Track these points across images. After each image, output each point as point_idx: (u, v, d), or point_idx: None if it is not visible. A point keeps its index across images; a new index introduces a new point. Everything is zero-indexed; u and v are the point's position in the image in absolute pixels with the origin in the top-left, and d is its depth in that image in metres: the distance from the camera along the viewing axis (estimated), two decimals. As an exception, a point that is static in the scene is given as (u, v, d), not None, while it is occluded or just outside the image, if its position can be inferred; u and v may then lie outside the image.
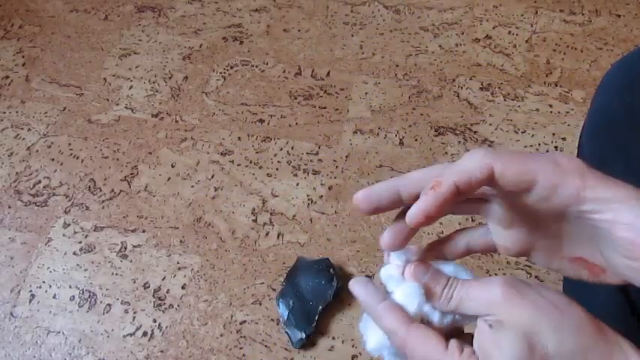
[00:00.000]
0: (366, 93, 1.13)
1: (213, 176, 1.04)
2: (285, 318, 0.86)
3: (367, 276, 0.91)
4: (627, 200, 0.27)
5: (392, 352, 0.32)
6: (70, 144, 1.09)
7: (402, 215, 0.32)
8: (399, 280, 0.32)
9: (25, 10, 1.31)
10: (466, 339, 0.31)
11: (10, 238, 0.98)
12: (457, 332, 0.32)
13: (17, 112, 1.14)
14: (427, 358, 0.29)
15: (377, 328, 0.32)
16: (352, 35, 1.22)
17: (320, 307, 0.86)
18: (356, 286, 0.33)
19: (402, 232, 0.32)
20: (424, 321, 0.31)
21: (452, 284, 0.31)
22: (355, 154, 1.05)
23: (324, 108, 1.11)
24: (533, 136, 1.06)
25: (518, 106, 1.10)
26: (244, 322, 0.88)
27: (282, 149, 1.06)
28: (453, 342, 0.30)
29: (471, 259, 0.92)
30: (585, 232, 0.30)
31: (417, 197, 0.29)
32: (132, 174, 1.05)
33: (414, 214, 0.28)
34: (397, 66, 1.17)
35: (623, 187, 0.28)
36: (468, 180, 0.28)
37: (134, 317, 0.90)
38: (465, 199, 0.32)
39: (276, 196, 1.01)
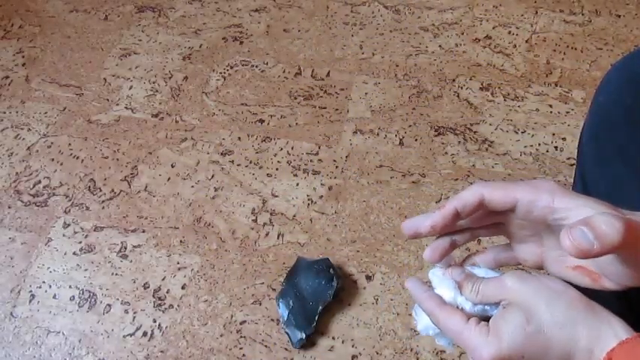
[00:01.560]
0: (366, 93, 1.13)
1: (213, 176, 1.04)
2: (285, 318, 0.86)
3: (367, 276, 0.92)
4: (584, 206, 0.35)
5: (436, 331, 0.42)
6: (70, 144, 1.09)
7: (441, 238, 0.43)
8: (441, 278, 0.42)
9: (25, 10, 1.31)
10: None
11: (10, 238, 0.98)
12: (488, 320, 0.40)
13: (17, 112, 1.14)
14: (453, 329, 0.38)
15: (424, 314, 0.42)
16: (352, 35, 1.22)
17: (320, 307, 0.86)
18: (409, 283, 0.43)
19: (438, 248, 0.43)
20: (459, 308, 0.40)
21: (478, 281, 0.40)
22: (355, 154, 1.05)
23: (324, 108, 1.11)
24: (533, 136, 1.06)
25: (518, 106, 1.10)
26: (244, 322, 0.88)
27: (282, 149, 1.06)
28: (473, 319, 0.38)
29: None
30: None
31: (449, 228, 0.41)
32: (132, 174, 1.05)
33: (424, 225, 0.40)
34: (397, 66, 1.17)
35: (583, 198, 0.36)
36: (464, 203, 0.38)
37: (134, 317, 0.90)
38: (491, 224, 0.42)
39: (276, 196, 1.01)
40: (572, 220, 0.34)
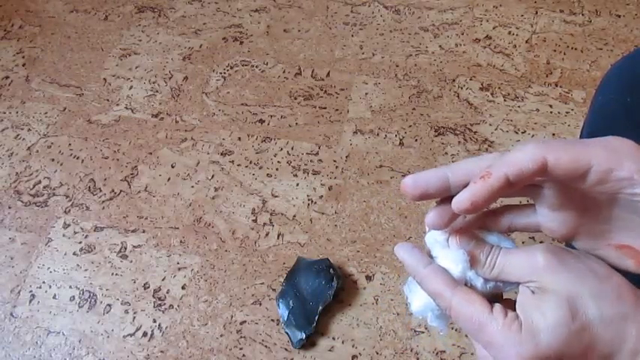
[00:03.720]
0: (366, 93, 1.13)
1: (213, 176, 1.04)
2: (285, 318, 0.86)
3: (367, 276, 0.91)
4: None
5: (436, 314, 0.34)
6: (70, 144, 1.09)
7: (447, 199, 0.32)
8: (445, 245, 0.34)
9: (25, 11, 1.31)
10: (507, 305, 0.32)
11: (10, 238, 0.98)
12: (497, 298, 0.33)
13: (17, 112, 1.14)
14: (472, 320, 0.30)
15: (421, 291, 0.34)
16: (352, 35, 1.22)
17: (320, 308, 0.86)
18: (401, 250, 0.34)
19: (447, 212, 0.33)
20: (468, 285, 0.33)
21: (495, 252, 0.32)
22: (355, 155, 1.05)
23: (324, 108, 1.11)
24: (533, 136, 1.06)
25: (519, 107, 1.10)
26: (244, 322, 0.88)
27: (282, 149, 1.06)
28: (497, 306, 0.31)
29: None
30: (636, 218, 0.30)
31: (465, 186, 0.30)
32: (132, 174, 1.05)
33: (461, 199, 0.29)
34: (397, 66, 1.17)
35: None
36: (519, 172, 0.28)
37: (134, 317, 0.90)
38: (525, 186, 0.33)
39: (276, 196, 1.01)
40: None
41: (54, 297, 0.92)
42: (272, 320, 0.88)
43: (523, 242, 0.94)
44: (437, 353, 0.84)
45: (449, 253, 0.33)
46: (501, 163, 0.29)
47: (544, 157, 0.28)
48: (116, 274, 0.94)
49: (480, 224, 0.35)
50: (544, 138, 1.05)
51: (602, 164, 0.28)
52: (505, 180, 0.28)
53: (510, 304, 0.32)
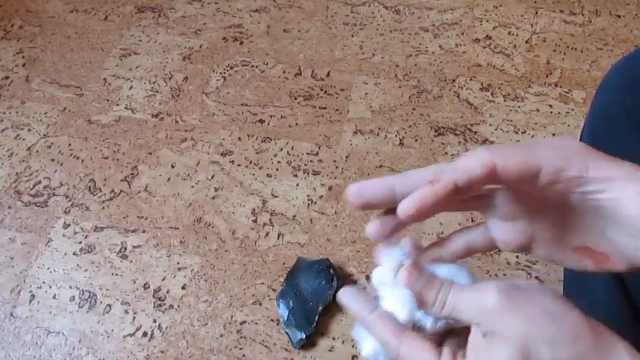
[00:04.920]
0: (366, 93, 1.13)
1: (213, 177, 1.04)
2: (285, 318, 0.86)
3: (367, 276, 0.91)
4: (631, 178, 0.27)
5: (387, 358, 0.33)
6: (70, 144, 1.09)
7: (392, 211, 0.31)
8: (392, 285, 0.32)
9: (25, 11, 1.31)
10: (461, 334, 0.31)
11: (10, 238, 0.98)
12: (450, 330, 0.32)
13: (17, 112, 1.14)
14: None
15: (370, 336, 0.33)
16: (352, 35, 1.22)
17: (320, 308, 0.86)
18: (345, 297, 0.33)
19: (389, 222, 0.32)
20: (416, 326, 0.31)
21: (445, 290, 0.30)
22: (355, 155, 1.05)
23: (324, 108, 1.11)
24: (533, 136, 1.06)
25: (519, 107, 1.10)
26: (244, 322, 0.88)
27: (282, 149, 1.06)
28: (446, 351, 0.30)
29: (471, 260, 0.92)
30: (589, 217, 0.30)
31: None
32: (132, 174, 1.05)
33: (406, 205, 0.28)
34: (397, 66, 1.17)
35: (627, 166, 0.28)
36: (468, 177, 0.28)
37: (134, 318, 0.90)
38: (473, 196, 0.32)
39: (276, 196, 1.01)
40: (610, 196, 0.27)
41: (54, 297, 0.92)
42: (272, 320, 0.88)
43: (488, 272, 0.94)
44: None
45: (395, 294, 0.31)
46: (450, 169, 0.28)
47: (492, 161, 0.27)
48: (116, 274, 0.94)
49: (435, 256, 0.34)
50: (544, 137, 1.05)
51: (552, 165, 0.28)
52: (453, 185, 0.28)
53: (464, 333, 0.31)
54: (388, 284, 0.32)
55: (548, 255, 0.32)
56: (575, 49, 1.18)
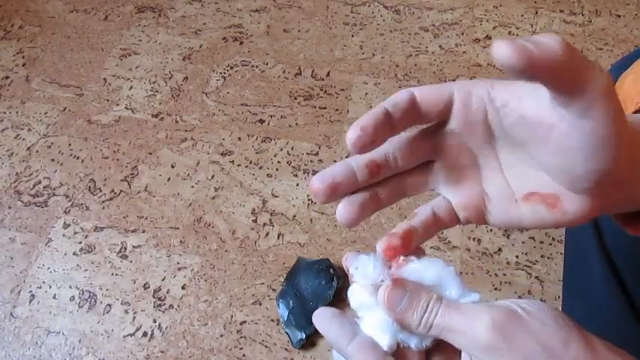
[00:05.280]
0: (366, 93, 1.13)
1: (213, 176, 1.04)
2: (285, 318, 0.86)
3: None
4: (527, 86, 0.28)
5: None
6: (70, 144, 1.09)
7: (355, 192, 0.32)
8: (371, 306, 0.29)
9: (25, 11, 1.31)
10: (449, 351, 0.30)
11: (10, 238, 0.98)
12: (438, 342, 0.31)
13: (17, 112, 1.14)
14: None
15: None
16: (352, 35, 1.22)
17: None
18: (320, 322, 0.30)
19: (358, 202, 0.31)
20: (400, 346, 0.29)
21: (432, 310, 0.28)
22: (355, 155, 1.05)
23: (324, 108, 1.11)
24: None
25: (519, 107, 1.09)
26: (244, 322, 0.88)
27: (282, 149, 1.06)
28: None
29: (472, 260, 0.92)
30: (518, 152, 0.30)
31: (370, 172, 0.31)
32: (132, 174, 1.05)
33: (350, 133, 0.29)
34: (397, 66, 1.17)
35: (527, 85, 0.29)
36: (394, 102, 0.30)
37: (134, 317, 0.90)
38: (411, 170, 0.33)
39: (276, 196, 1.01)
40: (515, 107, 0.28)
41: (54, 297, 0.92)
42: (272, 320, 0.88)
43: (488, 272, 0.94)
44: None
45: (375, 318, 0.29)
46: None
47: (411, 91, 0.30)
48: (116, 274, 0.94)
49: (408, 240, 0.32)
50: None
51: (462, 88, 0.30)
52: (384, 109, 0.29)
53: (454, 349, 0.30)
54: (366, 305, 0.30)
55: (504, 217, 0.31)
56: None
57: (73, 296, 0.92)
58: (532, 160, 0.30)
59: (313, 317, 0.31)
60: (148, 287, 0.92)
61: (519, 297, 0.88)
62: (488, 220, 0.32)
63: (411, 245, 0.32)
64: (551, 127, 0.27)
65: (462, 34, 1.21)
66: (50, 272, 0.94)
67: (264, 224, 0.98)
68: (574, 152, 0.26)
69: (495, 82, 0.30)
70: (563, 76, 0.23)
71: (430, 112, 0.30)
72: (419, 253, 0.32)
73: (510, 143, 0.30)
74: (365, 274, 0.30)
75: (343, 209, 0.31)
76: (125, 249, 0.96)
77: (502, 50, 0.22)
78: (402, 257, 0.31)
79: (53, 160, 1.07)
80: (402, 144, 0.32)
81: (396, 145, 0.32)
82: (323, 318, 0.30)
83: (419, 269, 0.30)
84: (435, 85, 0.31)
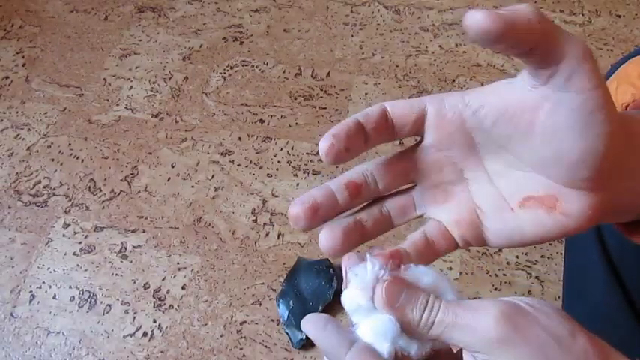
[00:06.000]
0: (366, 93, 1.13)
1: (213, 176, 1.04)
2: (285, 318, 0.86)
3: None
4: (501, 82, 0.28)
5: None
6: (70, 144, 1.09)
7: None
8: (368, 309, 0.28)
9: (25, 11, 1.31)
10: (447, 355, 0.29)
11: (10, 238, 0.98)
12: (437, 351, 0.29)
13: (17, 112, 1.14)
14: None
15: None
16: (352, 35, 1.22)
17: (320, 308, 0.86)
18: (313, 329, 0.28)
19: (340, 227, 0.30)
20: (399, 354, 0.27)
21: (433, 307, 0.27)
22: (355, 155, 1.05)
23: (324, 108, 1.11)
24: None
25: (519, 107, 1.09)
26: (244, 322, 0.88)
27: (282, 149, 1.06)
28: None
29: (472, 260, 0.92)
30: (505, 157, 0.29)
31: (350, 193, 0.30)
32: (132, 174, 1.05)
33: (322, 142, 0.29)
34: (397, 66, 1.17)
35: (501, 84, 0.28)
36: (365, 115, 0.29)
37: (134, 317, 0.90)
38: (394, 194, 0.32)
39: (276, 196, 1.01)
40: (494, 104, 0.27)
41: (54, 297, 0.92)
42: (272, 320, 0.88)
43: (488, 272, 0.94)
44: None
45: (373, 322, 0.27)
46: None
47: (383, 105, 0.30)
48: (116, 274, 0.94)
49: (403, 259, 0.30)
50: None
51: (435, 100, 0.29)
52: (356, 120, 0.29)
53: (453, 357, 0.29)
54: (363, 308, 0.28)
55: (503, 227, 0.30)
56: (575, 49, 1.17)
57: (73, 296, 0.92)
58: (520, 162, 0.28)
59: (303, 323, 0.28)
60: (148, 287, 0.92)
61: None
62: (486, 237, 0.30)
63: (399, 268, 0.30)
64: (536, 109, 0.26)
65: (462, 34, 1.21)
66: (50, 272, 0.94)
67: (264, 224, 0.98)
68: (563, 135, 0.25)
69: (468, 90, 0.29)
70: (541, 41, 0.23)
71: (403, 125, 0.29)
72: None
73: (494, 148, 0.29)
74: (363, 277, 0.28)
75: (326, 235, 0.29)
76: (125, 249, 0.96)
77: (476, 18, 0.22)
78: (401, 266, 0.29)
79: (53, 160, 1.07)
80: (380, 163, 0.31)
81: (373, 165, 0.31)
82: (316, 324, 0.28)
83: (415, 274, 0.29)
84: (407, 99, 0.30)
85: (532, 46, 0.23)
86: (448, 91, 0.30)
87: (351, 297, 0.28)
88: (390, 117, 0.29)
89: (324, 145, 0.28)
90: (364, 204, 0.32)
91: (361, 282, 0.28)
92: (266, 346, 0.86)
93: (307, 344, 0.85)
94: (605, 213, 0.28)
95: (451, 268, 0.91)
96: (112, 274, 0.94)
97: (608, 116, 0.24)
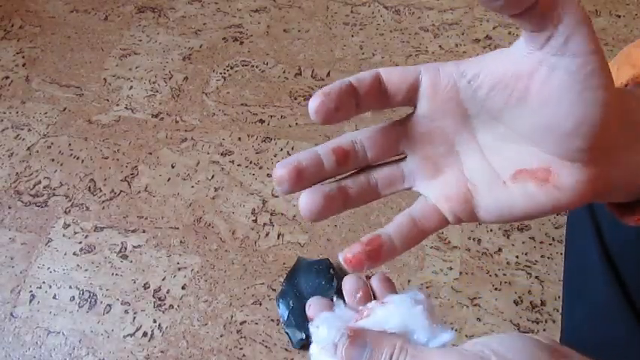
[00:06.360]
0: (366, 93, 1.13)
1: (213, 176, 1.04)
2: (285, 318, 0.86)
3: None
4: (496, 51, 0.28)
5: None
6: (70, 144, 1.09)
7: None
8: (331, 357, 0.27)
9: (25, 11, 1.31)
10: None
11: (10, 238, 0.98)
12: None
13: (17, 112, 1.14)
14: None
15: None
16: (352, 35, 1.22)
17: (320, 308, 0.86)
18: None
19: (321, 192, 0.29)
20: None
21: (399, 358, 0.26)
22: (355, 155, 1.05)
23: (324, 108, 1.11)
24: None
25: (519, 107, 1.09)
26: (244, 322, 0.88)
27: (282, 149, 1.06)
28: None
29: (472, 260, 0.92)
30: (498, 129, 0.28)
31: (337, 159, 0.29)
32: (132, 174, 1.05)
33: (313, 96, 0.28)
34: (397, 66, 1.17)
35: (495, 53, 0.28)
36: (358, 78, 0.29)
37: (134, 317, 0.90)
38: (383, 164, 0.31)
39: (277, 196, 1.01)
40: (489, 72, 0.27)
41: (54, 297, 0.92)
42: (272, 320, 0.88)
43: (488, 272, 0.94)
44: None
45: None
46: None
47: (378, 70, 0.29)
48: (116, 274, 0.94)
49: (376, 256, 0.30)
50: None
51: (430, 67, 0.29)
52: (348, 82, 0.29)
53: None
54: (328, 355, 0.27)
55: (495, 203, 0.29)
56: (575, 49, 1.17)
57: (73, 296, 0.92)
58: (514, 133, 0.28)
59: None
60: (148, 287, 0.92)
61: (519, 297, 0.88)
62: (477, 212, 0.29)
63: (380, 256, 0.29)
64: (531, 75, 0.25)
65: (462, 34, 1.21)
66: (50, 272, 0.94)
67: (264, 224, 0.98)
68: (558, 101, 0.24)
69: (464, 60, 0.29)
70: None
71: (397, 91, 0.29)
72: (390, 287, 0.31)
73: (487, 119, 0.28)
74: (323, 334, 0.28)
75: (306, 199, 0.28)
76: (125, 249, 0.96)
77: None
78: (369, 304, 0.29)
79: (53, 160, 1.07)
80: (370, 132, 0.30)
81: (363, 132, 0.30)
82: None
83: (383, 315, 0.28)
84: (402, 67, 0.29)
85: (531, 4, 0.23)
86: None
87: (315, 356, 0.28)
88: (383, 82, 0.29)
89: (313, 102, 0.27)
90: (352, 172, 0.31)
91: (324, 340, 0.27)
92: (266, 346, 0.86)
93: (307, 344, 0.85)
94: (598, 189, 0.27)
95: (451, 268, 0.91)
96: (112, 274, 0.94)
97: (605, 82, 0.24)
